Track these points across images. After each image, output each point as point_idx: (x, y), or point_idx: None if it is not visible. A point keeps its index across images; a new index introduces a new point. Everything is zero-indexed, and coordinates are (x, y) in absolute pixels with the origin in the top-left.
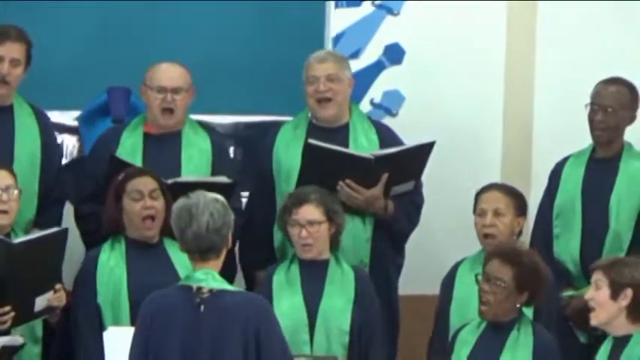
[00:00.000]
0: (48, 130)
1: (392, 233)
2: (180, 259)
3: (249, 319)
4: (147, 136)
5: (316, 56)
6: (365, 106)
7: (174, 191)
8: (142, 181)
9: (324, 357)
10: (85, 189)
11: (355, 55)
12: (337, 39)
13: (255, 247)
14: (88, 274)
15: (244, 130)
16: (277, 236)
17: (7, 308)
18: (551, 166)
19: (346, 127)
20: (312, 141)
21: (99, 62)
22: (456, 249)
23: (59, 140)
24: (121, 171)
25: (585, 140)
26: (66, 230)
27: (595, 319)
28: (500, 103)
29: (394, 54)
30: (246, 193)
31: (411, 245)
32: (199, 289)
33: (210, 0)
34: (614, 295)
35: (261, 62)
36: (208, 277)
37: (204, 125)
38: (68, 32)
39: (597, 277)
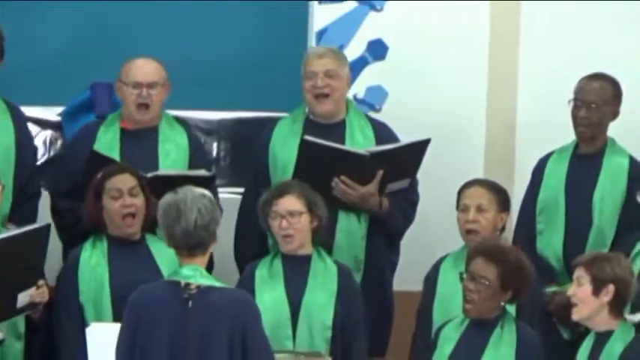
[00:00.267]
0: (22, 126)
1: (387, 230)
2: (162, 256)
3: (236, 315)
4: (123, 132)
5: (315, 51)
6: None
7: (155, 185)
8: (121, 178)
9: (308, 352)
10: (63, 185)
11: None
12: (320, 34)
13: (249, 243)
14: (69, 272)
15: (228, 126)
16: None
17: None
18: (534, 162)
19: (343, 123)
20: (308, 137)
21: (83, 58)
22: (439, 244)
23: (44, 136)
24: (101, 165)
25: (568, 136)
26: (48, 226)
27: (577, 315)
28: (483, 100)
29: (377, 50)
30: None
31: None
32: (187, 285)
33: None
34: (596, 291)
35: (245, 58)
36: (196, 274)
37: (180, 120)
38: (52, 28)
39: (579, 273)
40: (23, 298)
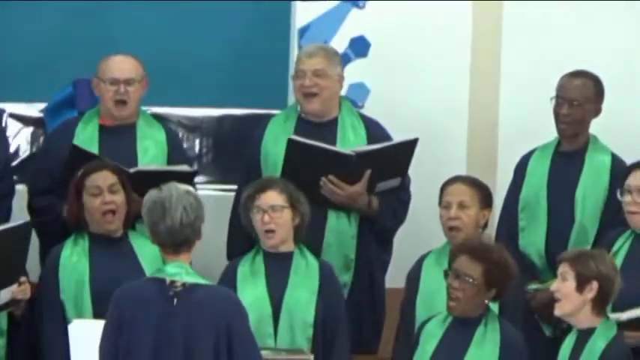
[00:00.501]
0: None
1: (377, 229)
2: (145, 253)
3: (221, 313)
4: (102, 129)
5: (306, 50)
6: None
7: (137, 180)
8: (100, 175)
9: (289, 349)
10: (41, 182)
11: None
12: (303, 31)
13: (242, 239)
14: (50, 269)
15: (210, 123)
16: None
17: None
18: (516, 159)
19: (335, 121)
20: (294, 137)
21: (65, 55)
22: (418, 241)
23: (26, 133)
24: (83, 160)
25: (550, 133)
26: (28, 223)
27: (560, 310)
28: (465, 96)
29: (360, 47)
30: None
31: None
32: (173, 282)
33: None
34: (580, 287)
35: (227, 55)
36: (182, 271)
37: (157, 117)
38: (34, 24)
39: (564, 269)
40: (5, 295)
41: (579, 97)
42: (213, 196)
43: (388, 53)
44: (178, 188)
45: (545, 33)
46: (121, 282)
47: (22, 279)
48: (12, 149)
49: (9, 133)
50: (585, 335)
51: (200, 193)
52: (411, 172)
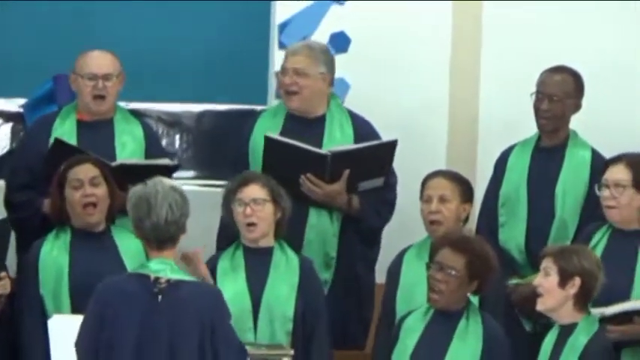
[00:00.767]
0: None
1: (360, 228)
2: (126, 248)
3: (205, 310)
4: (79, 124)
5: (291, 47)
6: None
7: (119, 174)
8: (82, 169)
9: (269, 344)
10: (19, 177)
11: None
12: (283, 27)
13: (232, 236)
14: (30, 263)
15: (190, 119)
16: None
17: None
18: (496, 155)
19: (323, 118)
20: (270, 134)
21: (44, 50)
22: (401, 236)
23: (6, 128)
24: (65, 154)
25: (531, 129)
26: (6, 220)
27: (542, 305)
28: (445, 92)
29: (340, 42)
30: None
31: None
32: (157, 279)
33: None
34: (563, 282)
35: (207, 50)
36: (166, 268)
37: (134, 112)
38: (14, 21)
39: (546, 264)
40: None
41: (559, 92)
42: (193, 191)
43: (368, 49)
44: (164, 184)
45: (524, 29)
46: (100, 276)
47: (2, 274)
48: None
49: None
50: (567, 331)
51: None
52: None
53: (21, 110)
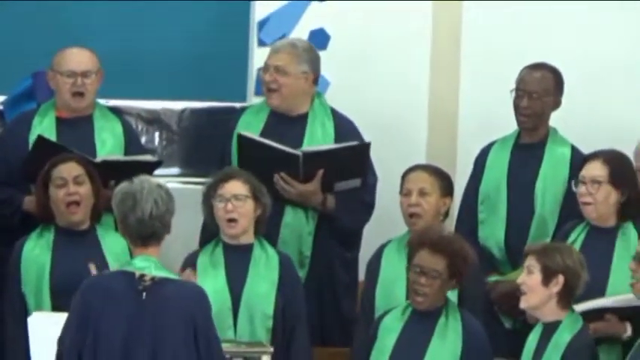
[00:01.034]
0: None
1: (335, 228)
2: (110, 247)
3: (189, 308)
4: (59, 121)
5: (274, 45)
6: None
7: (101, 170)
8: (66, 167)
9: (249, 342)
10: None
11: (281, 40)
12: (262, 24)
13: (213, 231)
14: (13, 261)
15: (170, 116)
16: None
17: None
18: (476, 152)
19: (305, 116)
20: (243, 132)
21: (24, 47)
22: (382, 232)
23: None
24: (47, 151)
25: (510, 126)
26: None
27: (525, 303)
28: (425, 89)
29: (319, 39)
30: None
31: None
32: (142, 276)
33: None
34: (546, 280)
35: (186, 48)
36: (150, 265)
37: (113, 109)
38: None
39: (530, 262)
40: None
41: (539, 89)
42: (172, 188)
43: (348, 46)
44: (150, 181)
45: (504, 27)
46: (83, 275)
47: None
48: None
49: None
50: (551, 328)
51: None
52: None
53: (0, 107)
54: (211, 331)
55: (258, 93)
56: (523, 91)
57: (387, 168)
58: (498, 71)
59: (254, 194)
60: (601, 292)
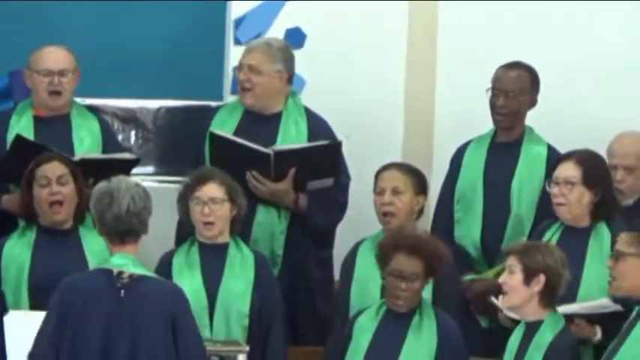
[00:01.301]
0: None
1: (308, 227)
2: (92, 247)
3: (167, 306)
4: (36, 120)
5: (249, 44)
6: None
7: (80, 169)
8: (50, 166)
9: (225, 341)
10: None
11: (256, 39)
12: (238, 23)
13: (189, 230)
14: None
15: (146, 115)
16: None
17: None
18: (452, 151)
19: (279, 115)
20: (214, 130)
21: (0, 46)
22: (357, 231)
23: None
24: (26, 150)
25: (486, 126)
26: None
27: (507, 303)
28: (401, 88)
29: (295, 38)
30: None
31: None
32: (120, 273)
33: None
34: (527, 280)
35: (162, 46)
36: (128, 262)
37: (90, 108)
38: None
39: (511, 261)
40: None
41: (515, 88)
42: (148, 187)
43: (324, 45)
44: (127, 180)
45: (480, 26)
46: (62, 274)
47: None
48: None
49: None
50: (533, 328)
51: None
52: (347, 165)
53: None
54: (191, 327)
55: (234, 92)
56: (499, 90)
57: (363, 167)
58: (474, 71)
59: (230, 196)
60: (574, 292)
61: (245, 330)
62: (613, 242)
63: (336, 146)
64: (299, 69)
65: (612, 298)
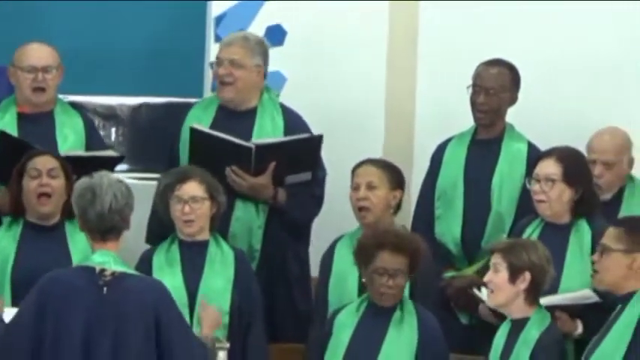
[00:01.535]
0: None
1: (286, 222)
2: (77, 243)
3: (150, 303)
4: (20, 116)
5: (226, 38)
6: None
7: None
8: (42, 159)
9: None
10: None
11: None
12: (219, 20)
13: (161, 226)
14: None
15: (126, 112)
16: None
17: None
18: (433, 148)
19: (254, 111)
20: (195, 126)
21: None
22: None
23: None
24: (9, 146)
25: (467, 125)
26: None
27: (493, 301)
28: (382, 85)
29: (276, 35)
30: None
31: None
32: (102, 271)
33: None
34: (513, 278)
35: (143, 42)
36: (110, 260)
37: (74, 105)
38: None
39: (496, 260)
40: None
41: (496, 85)
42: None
43: (305, 42)
44: (109, 176)
45: (460, 25)
46: (46, 270)
47: None
48: None
49: None
50: (519, 325)
51: None
52: (327, 162)
53: None
54: (178, 319)
55: (214, 89)
56: (480, 87)
57: (344, 165)
58: (455, 69)
59: (210, 194)
60: (554, 288)
61: (225, 327)
62: (593, 238)
63: (317, 139)
64: (280, 66)
65: (593, 290)
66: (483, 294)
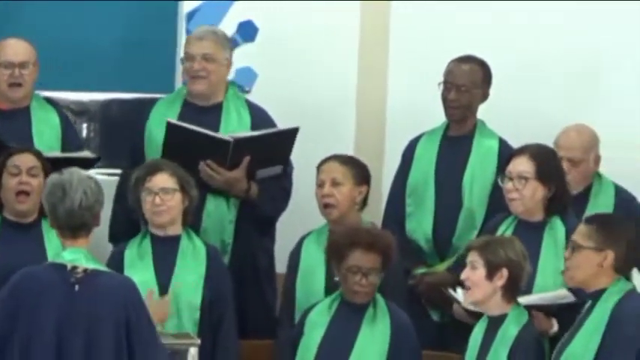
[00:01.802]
0: None
1: (256, 216)
2: (53, 241)
3: (121, 300)
4: None
5: (196, 33)
6: None
7: None
8: (22, 157)
9: (176, 333)
10: None
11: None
12: (191, 15)
13: (126, 222)
14: None
15: (98, 107)
16: None
17: None
18: (404, 144)
19: (220, 106)
20: (171, 120)
21: None
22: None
23: None
24: None
25: (438, 122)
26: None
27: (470, 298)
28: (353, 82)
29: (248, 31)
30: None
31: None
32: (74, 268)
33: None
34: (490, 275)
35: (114, 38)
36: (80, 257)
37: (50, 100)
38: None
39: (473, 257)
40: None
41: (467, 82)
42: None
43: (277, 38)
44: (79, 172)
45: (432, 24)
46: (20, 267)
47: None
48: None
49: None
50: (496, 322)
51: None
52: (298, 159)
53: None
54: (145, 321)
55: (185, 84)
56: (451, 83)
57: (316, 163)
58: (426, 67)
59: (182, 186)
60: (529, 286)
61: (196, 323)
62: (567, 236)
63: (293, 132)
64: (251, 62)
65: (568, 288)
66: (459, 294)
